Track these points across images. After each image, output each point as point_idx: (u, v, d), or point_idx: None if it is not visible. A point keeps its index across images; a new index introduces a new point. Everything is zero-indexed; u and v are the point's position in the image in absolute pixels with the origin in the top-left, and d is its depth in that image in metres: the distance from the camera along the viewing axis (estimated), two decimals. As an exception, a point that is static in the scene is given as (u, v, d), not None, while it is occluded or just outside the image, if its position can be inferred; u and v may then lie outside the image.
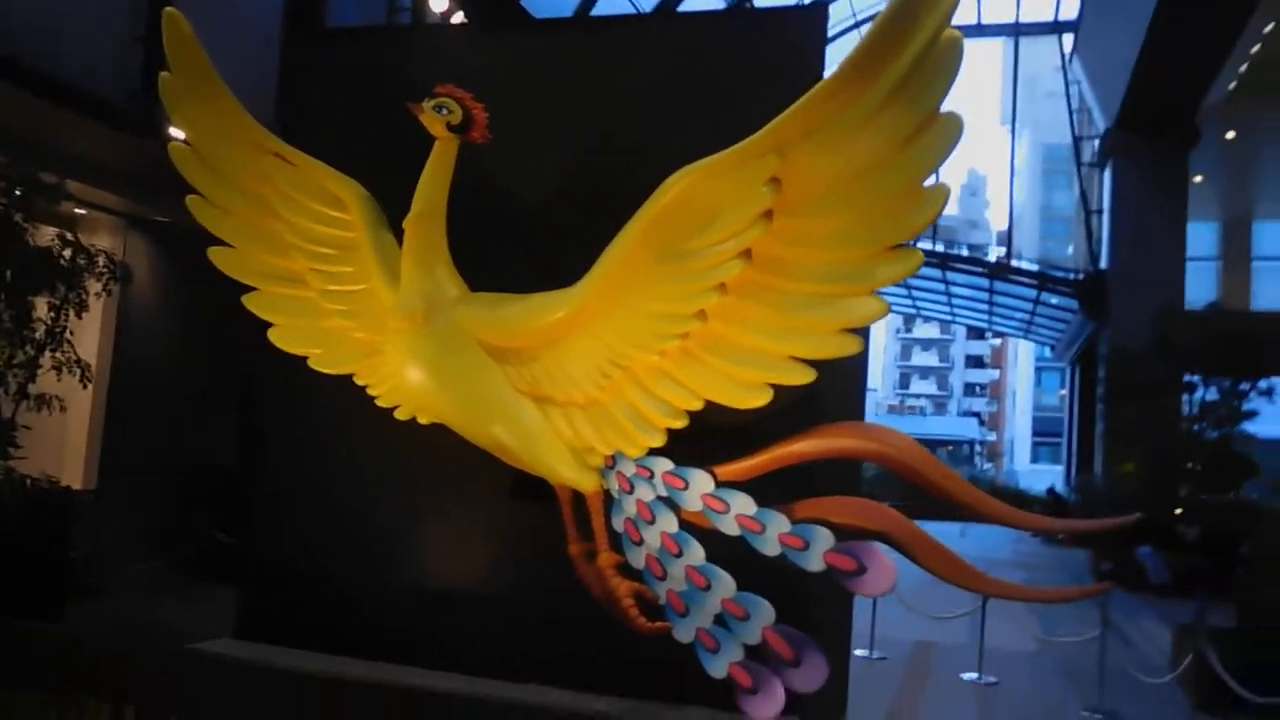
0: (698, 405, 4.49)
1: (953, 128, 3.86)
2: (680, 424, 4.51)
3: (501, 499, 5.09)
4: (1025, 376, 63.78)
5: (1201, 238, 25.88)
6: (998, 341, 68.16)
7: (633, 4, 16.03)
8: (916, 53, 3.79)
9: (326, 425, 5.51)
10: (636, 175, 5.04)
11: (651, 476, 4.58)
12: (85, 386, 7.68)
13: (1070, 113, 26.56)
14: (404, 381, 4.82)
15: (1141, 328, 17.66)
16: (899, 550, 4.36)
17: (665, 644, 4.52)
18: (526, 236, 5.17)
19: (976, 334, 68.85)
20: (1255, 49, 18.55)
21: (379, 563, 5.35)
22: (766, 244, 4.29)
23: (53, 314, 7.08)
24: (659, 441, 4.55)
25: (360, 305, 5.08)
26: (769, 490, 4.48)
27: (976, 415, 68.57)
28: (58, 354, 7.19)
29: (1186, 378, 15.65)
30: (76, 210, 7.27)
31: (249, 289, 5.30)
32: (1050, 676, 8.27)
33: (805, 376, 4.36)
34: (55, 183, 7.01)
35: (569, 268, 4.73)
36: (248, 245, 5.25)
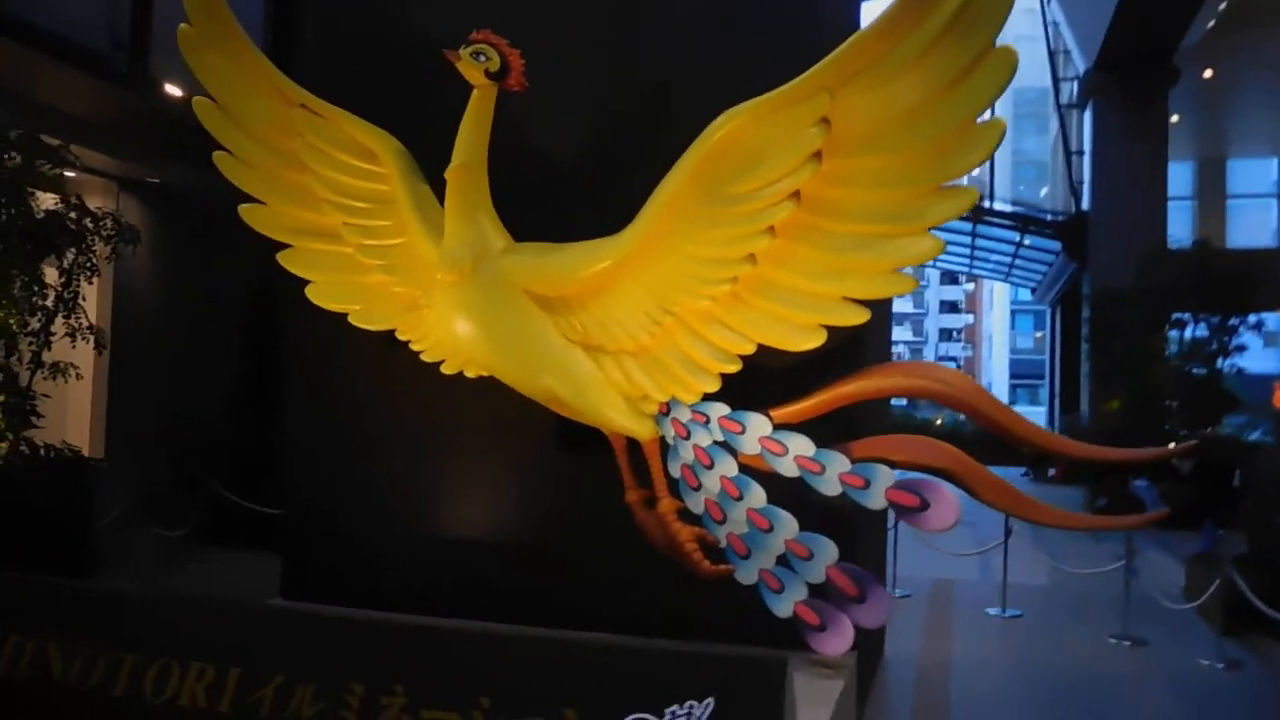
0: (750, 349, 4.48)
1: (1007, 62, 3.82)
2: (734, 368, 4.50)
3: (551, 450, 5.06)
4: (1000, 320, 64.22)
5: (1176, 177, 26.03)
6: (971, 286, 68.57)
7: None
8: (967, -7, 3.75)
9: (364, 382, 5.45)
10: (673, 120, 5.01)
11: (707, 422, 4.57)
12: (100, 353, 7.54)
13: (1050, 54, 26.50)
14: (452, 335, 4.75)
15: (1126, 268, 17.81)
16: (958, 485, 4.39)
17: (727, 586, 4.55)
18: (566, 185, 5.09)
19: (950, 279, 69.12)
20: (1236, -15, 18.60)
21: (428, 518, 5.32)
22: (815, 185, 4.25)
23: (63, 279, 6.92)
24: (713, 386, 4.54)
25: (399, 259, 5.00)
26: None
27: (953, 360, 69.17)
28: (70, 320, 7.04)
29: (1175, 315, 15.85)
30: (66, 173, 7.06)
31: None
32: (1070, 608, 8.42)
33: (859, 317, 4.35)
34: (58, 145, 6.82)
35: (610, 215, 4.68)
36: (279, 201, 5.14)
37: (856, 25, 5.05)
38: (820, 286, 4.34)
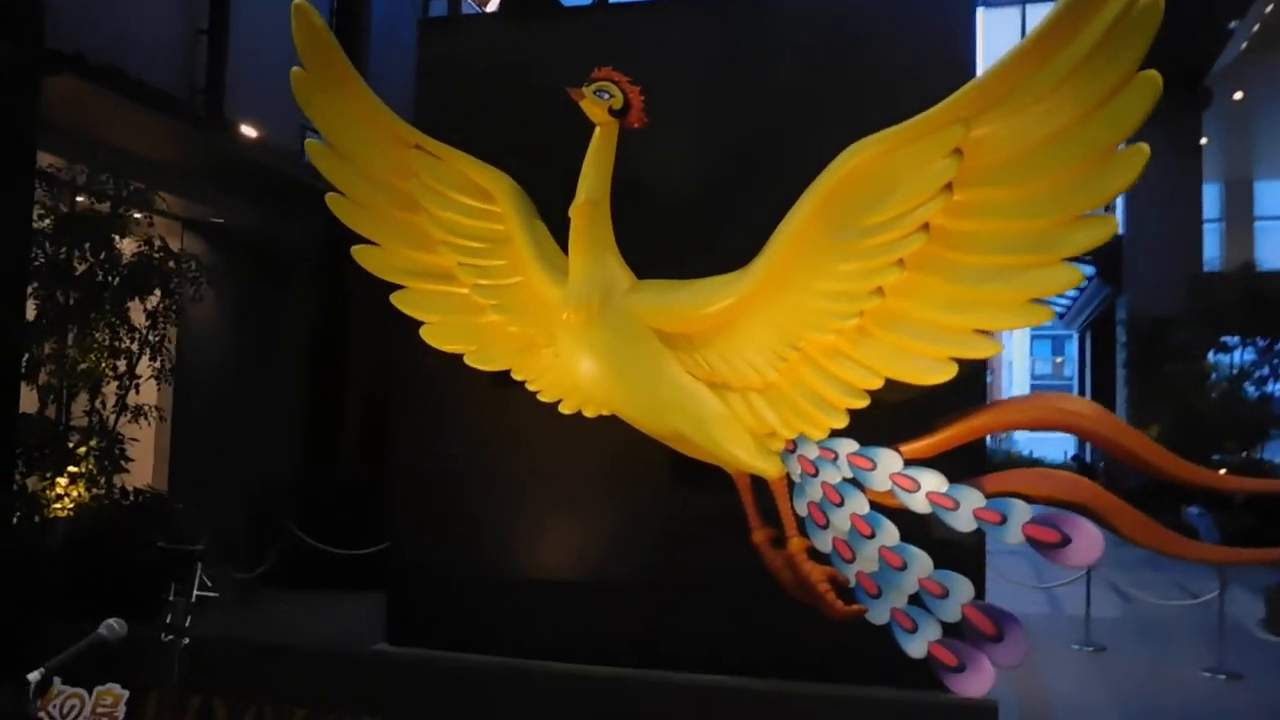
0: (877, 384, 4.44)
1: (1152, 86, 3.81)
2: (862, 404, 4.46)
3: (670, 490, 5.02)
4: (1020, 346, 63.90)
5: (1205, 199, 25.95)
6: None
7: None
8: (1117, 11, 3.75)
9: (473, 424, 5.42)
10: (788, 154, 5.02)
11: (836, 458, 4.53)
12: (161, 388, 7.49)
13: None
14: (575, 374, 4.74)
15: (1166, 292, 17.67)
16: (1098, 521, 4.33)
17: (854, 626, 4.50)
18: (680, 221, 5.08)
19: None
20: (1269, 8, 18.61)
21: (542, 562, 5.27)
22: (946, 216, 4.25)
23: (149, 321, 6.94)
24: (842, 423, 4.50)
25: (515, 299, 5.00)
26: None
27: (973, 386, 68.86)
28: (155, 363, 7.06)
29: (1223, 339, 15.72)
30: (135, 214, 7.11)
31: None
32: (1153, 641, 8.29)
33: (991, 349, 4.32)
34: (143, 189, 6.87)
35: (725, 251, 4.69)
36: (392, 242, 5.15)
37: (972, 58, 5.04)
38: (951, 319, 4.31)
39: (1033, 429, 4.88)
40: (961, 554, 4.52)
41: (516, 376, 5.02)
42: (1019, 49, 3.93)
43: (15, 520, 6.04)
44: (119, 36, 7.49)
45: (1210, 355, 17.03)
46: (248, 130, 8.46)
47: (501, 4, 11.80)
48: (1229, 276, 17.56)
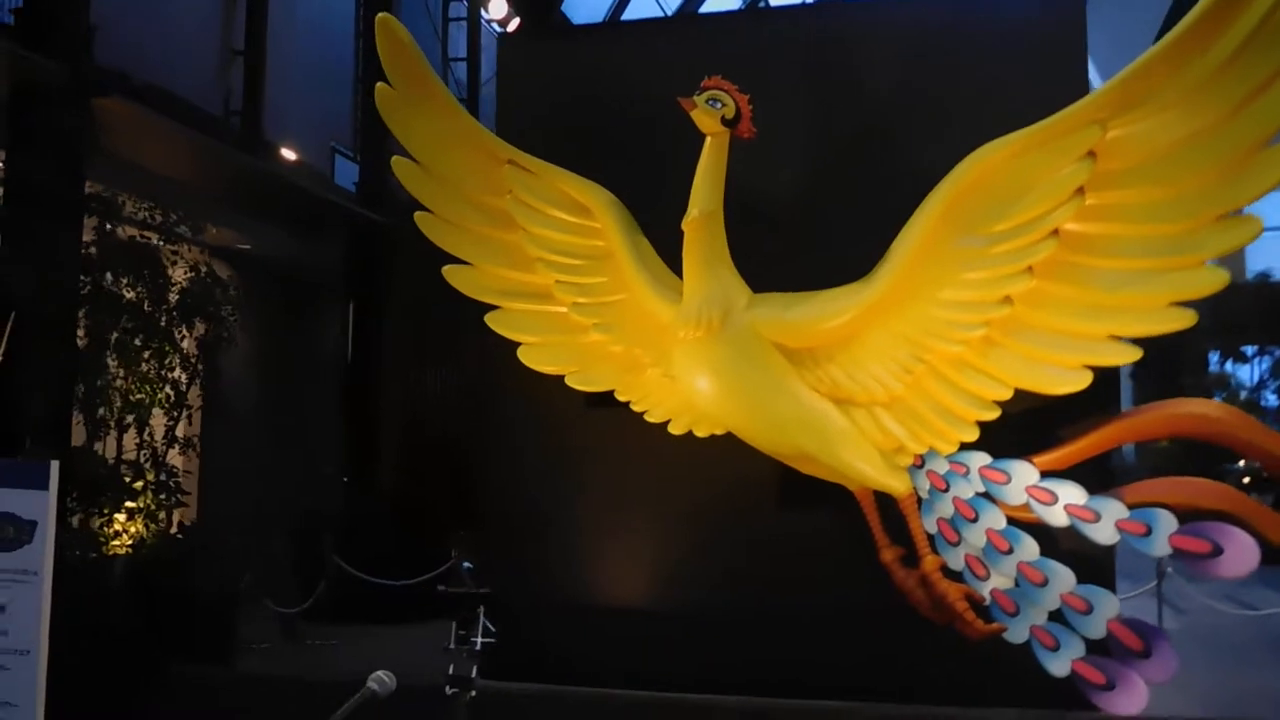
0: (1007, 395, 4.30)
1: (1299, 82, 3.72)
2: (992, 415, 4.32)
3: (785, 511, 4.84)
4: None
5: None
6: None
7: (659, 4, 15.85)
8: (1264, 10, 3.67)
9: (570, 448, 5.23)
10: (895, 160, 4.92)
11: (967, 472, 4.39)
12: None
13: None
14: (691, 392, 4.57)
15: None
16: (1243, 528, 4.20)
17: (988, 645, 4.35)
18: (790, 234, 4.94)
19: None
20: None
21: (649, 590, 5.07)
22: (1079, 220, 4.14)
23: (198, 350, 6.71)
24: (972, 436, 4.35)
25: (618, 317, 4.82)
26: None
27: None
28: (202, 394, 6.82)
29: (1242, 348, 15.80)
30: (185, 241, 6.89)
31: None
32: (1231, 651, 8.16)
33: (1129, 356, 4.20)
34: (192, 217, 6.66)
35: (842, 262, 4.56)
36: (485, 261, 4.97)
37: (1084, 65, 4.95)
38: (1085, 326, 4.19)
39: (1170, 435, 4.77)
40: (1091, 569, 4.40)
41: (621, 397, 4.83)
42: (1160, 48, 3.83)
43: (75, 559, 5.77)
44: (157, 56, 7.29)
45: (1228, 365, 17.06)
46: (285, 152, 8.27)
47: (520, 23, 11.71)
48: (1245, 287, 17.66)
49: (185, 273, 6.89)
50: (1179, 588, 8.50)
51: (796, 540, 4.80)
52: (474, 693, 2.75)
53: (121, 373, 6.22)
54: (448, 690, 2.75)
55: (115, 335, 6.25)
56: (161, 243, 6.47)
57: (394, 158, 4.97)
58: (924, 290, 4.36)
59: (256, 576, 7.94)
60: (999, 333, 4.30)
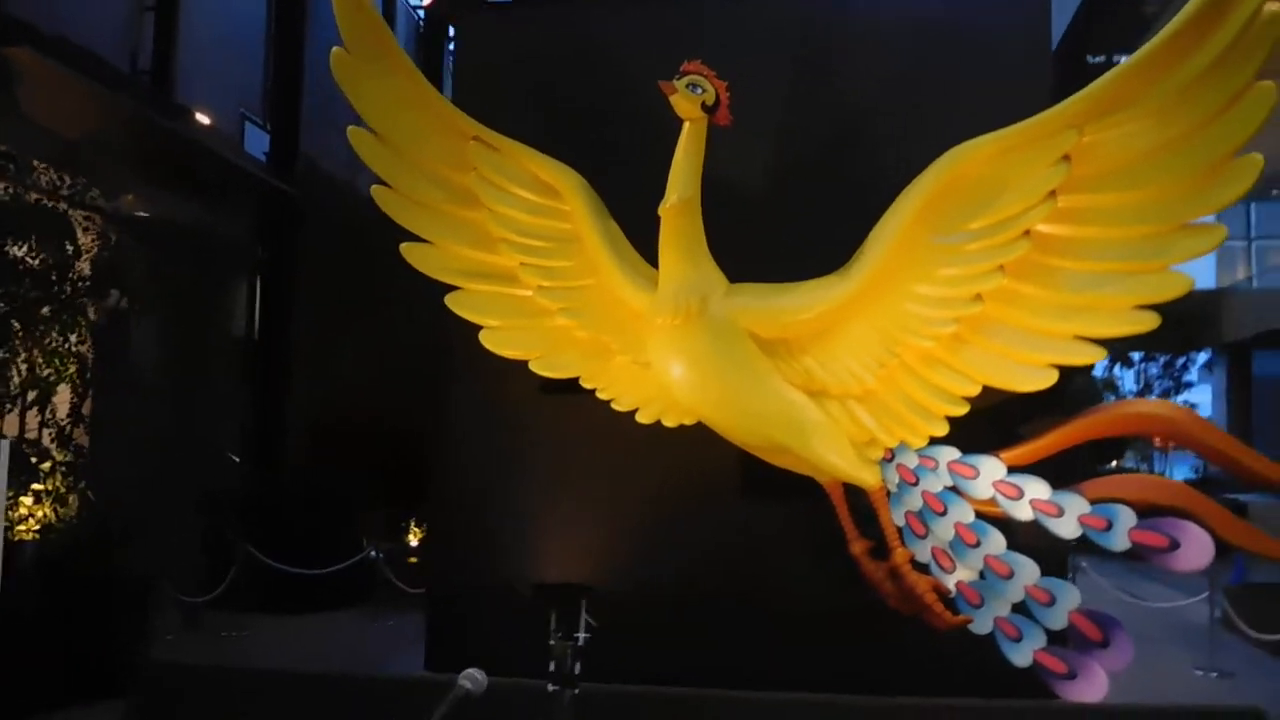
0: (974, 391, 4.36)
1: (1267, 97, 3.83)
2: (960, 411, 4.37)
3: (750, 503, 4.81)
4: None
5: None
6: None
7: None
8: (1241, 23, 3.77)
9: (526, 434, 5.08)
10: (865, 155, 4.91)
11: (936, 466, 4.43)
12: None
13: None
14: (665, 380, 4.46)
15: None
16: (1197, 524, 4.35)
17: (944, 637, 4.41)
18: (761, 223, 4.87)
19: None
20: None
21: (603, 580, 4.96)
22: (1050, 222, 4.20)
23: (105, 321, 6.22)
24: (942, 430, 4.40)
25: (583, 302, 4.68)
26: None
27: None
28: (112, 369, 6.34)
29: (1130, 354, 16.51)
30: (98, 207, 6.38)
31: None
32: (1147, 641, 8.51)
33: (1094, 356, 4.29)
34: (100, 182, 6.16)
35: (804, 254, 4.54)
36: (448, 240, 4.76)
37: (1045, 64, 5.03)
38: (1052, 325, 4.26)
39: (1127, 434, 4.91)
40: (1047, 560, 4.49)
41: (586, 384, 4.70)
42: (1138, 58, 3.89)
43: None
44: (66, 8, 6.74)
45: (1116, 369, 17.69)
46: (199, 116, 7.78)
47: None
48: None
49: (93, 240, 6.41)
50: (1092, 581, 8.84)
51: (763, 532, 4.77)
52: (576, 690, 2.60)
53: (27, 346, 5.74)
54: (549, 688, 2.59)
55: (19, 304, 5.76)
56: (67, 208, 5.99)
57: (350, 127, 4.70)
58: (899, 285, 4.36)
59: (162, 563, 7.52)
60: (969, 330, 4.34)
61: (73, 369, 5.95)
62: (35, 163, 5.84)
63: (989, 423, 4.44)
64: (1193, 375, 16.78)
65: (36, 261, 5.78)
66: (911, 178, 4.35)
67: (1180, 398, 16.71)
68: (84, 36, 6.79)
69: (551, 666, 2.85)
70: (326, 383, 9.92)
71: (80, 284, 5.98)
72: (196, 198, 8.46)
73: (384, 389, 10.31)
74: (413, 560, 10.04)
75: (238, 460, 9.69)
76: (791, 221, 4.86)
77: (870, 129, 4.90)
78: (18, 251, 5.90)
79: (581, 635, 2.84)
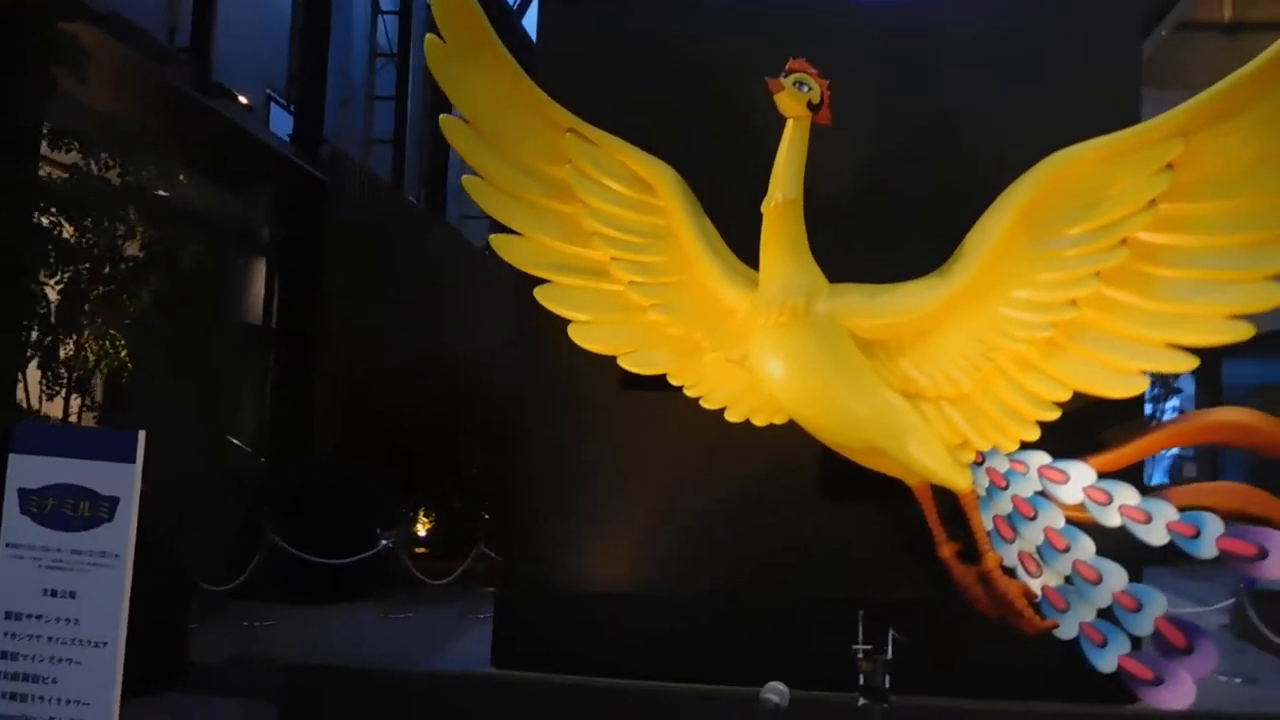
0: (1066, 396, 4.41)
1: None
2: (1053, 416, 4.41)
3: (830, 506, 4.81)
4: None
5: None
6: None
7: None
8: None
9: (600, 432, 5.05)
10: (956, 156, 4.94)
11: (1027, 471, 4.46)
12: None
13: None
14: (764, 379, 4.45)
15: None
16: (1281, 533, 4.40)
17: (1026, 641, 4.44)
18: (861, 224, 4.87)
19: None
20: None
21: (684, 580, 4.93)
22: (1148, 230, 4.26)
23: (154, 305, 6.07)
24: (1034, 435, 4.43)
25: (675, 298, 4.66)
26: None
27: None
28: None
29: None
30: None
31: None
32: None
33: (1186, 364, 4.35)
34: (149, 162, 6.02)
35: (911, 258, 4.57)
36: (538, 232, 4.72)
37: (1138, 65, 5.09)
38: (1146, 332, 4.32)
39: (1218, 442, 4.97)
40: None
41: (674, 381, 4.68)
42: (1247, 70, 3.95)
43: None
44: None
45: None
46: (240, 98, 7.64)
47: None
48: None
49: (140, 221, 6.26)
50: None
51: (847, 534, 4.78)
52: (888, 704, 2.58)
53: (79, 328, 5.60)
54: (860, 702, 2.56)
55: (80, 286, 5.64)
56: (122, 185, 5.84)
57: (442, 116, 4.66)
58: (998, 289, 4.41)
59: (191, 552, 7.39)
60: (1063, 335, 4.39)
61: (124, 353, 5.81)
62: (98, 144, 5.69)
63: (1059, 429, 4.49)
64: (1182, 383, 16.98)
65: (91, 242, 5.65)
66: (1001, 179, 4.43)
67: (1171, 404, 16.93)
68: (131, 13, 6.64)
69: (860, 681, 2.81)
70: (348, 370, 9.82)
71: (129, 266, 5.84)
72: (233, 180, 8.32)
73: (409, 377, 10.23)
74: (420, 550, 9.97)
75: (249, 450, 9.53)
76: (883, 222, 4.86)
77: (961, 128, 4.92)
78: (73, 232, 5.77)
79: (890, 651, 2.80)
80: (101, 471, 2.99)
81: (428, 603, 9.39)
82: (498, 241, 4.71)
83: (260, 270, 9.66)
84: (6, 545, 3.00)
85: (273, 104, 9.44)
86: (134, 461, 3.01)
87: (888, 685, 2.78)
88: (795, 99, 4.36)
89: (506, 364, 6.54)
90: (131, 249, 6.04)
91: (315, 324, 9.43)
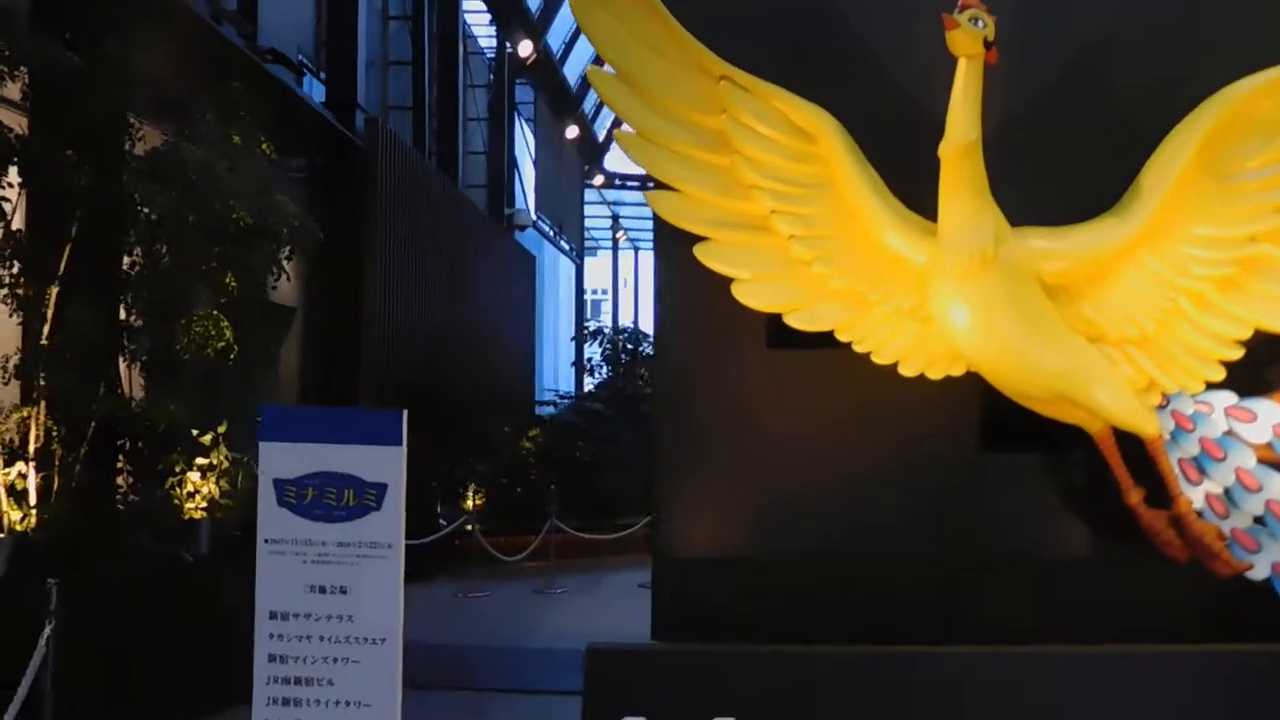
0: (1247, 334, 4.33)
1: None
2: (1237, 355, 4.34)
3: (1012, 455, 4.69)
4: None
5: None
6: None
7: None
8: None
9: (754, 394, 4.88)
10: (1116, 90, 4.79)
11: (1212, 411, 4.38)
12: None
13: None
14: (946, 329, 4.30)
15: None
16: None
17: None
18: (1033, 165, 4.70)
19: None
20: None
21: (842, 543, 4.80)
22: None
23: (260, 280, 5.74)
24: (1219, 375, 4.35)
25: (840, 250, 4.48)
26: None
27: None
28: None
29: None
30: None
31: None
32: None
33: (1370, 299, 4.29)
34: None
35: (1088, 195, 4.44)
36: (693, 186, 4.51)
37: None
38: (1330, 268, 4.24)
39: None
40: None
41: (842, 337, 4.49)
42: None
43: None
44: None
45: None
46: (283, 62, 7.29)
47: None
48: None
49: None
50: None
51: (1022, 487, 4.69)
52: None
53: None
54: None
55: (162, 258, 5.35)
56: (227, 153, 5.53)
57: (590, 68, 4.48)
58: (1178, 226, 4.30)
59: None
60: (1242, 272, 4.30)
61: (229, 333, 5.53)
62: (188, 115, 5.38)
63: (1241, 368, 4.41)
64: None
65: (193, 217, 5.35)
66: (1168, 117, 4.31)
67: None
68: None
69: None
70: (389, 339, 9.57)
71: (230, 242, 5.56)
72: (288, 150, 7.96)
73: (457, 351, 9.99)
74: (471, 528, 9.80)
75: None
76: (1052, 163, 4.70)
77: (1123, 65, 4.76)
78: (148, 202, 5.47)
79: None
80: (364, 456, 2.76)
81: (498, 578, 9.30)
82: (653, 198, 4.51)
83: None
84: (265, 541, 2.78)
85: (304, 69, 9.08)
86: (400, 444, 2.79)
87: None
88: (971, 36, 4.17)
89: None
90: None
91: (359, 299, 9.19)
